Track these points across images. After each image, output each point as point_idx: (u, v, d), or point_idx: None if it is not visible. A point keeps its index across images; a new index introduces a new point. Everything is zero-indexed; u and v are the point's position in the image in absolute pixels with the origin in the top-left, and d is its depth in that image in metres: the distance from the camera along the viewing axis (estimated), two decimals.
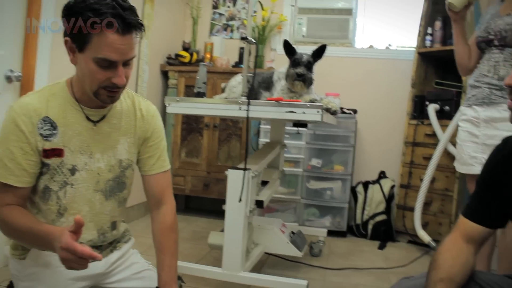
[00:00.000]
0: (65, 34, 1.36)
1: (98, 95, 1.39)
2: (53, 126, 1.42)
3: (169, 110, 2.34)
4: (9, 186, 1.38)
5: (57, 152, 1.42)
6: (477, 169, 2.23)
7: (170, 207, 1.67)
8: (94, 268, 1.54)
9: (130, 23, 1.32)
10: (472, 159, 2.32)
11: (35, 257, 1.47)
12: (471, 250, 1.36)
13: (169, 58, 4.35)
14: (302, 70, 2.29)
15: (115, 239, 1.68)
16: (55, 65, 2.75)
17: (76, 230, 1.22)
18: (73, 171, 1.46)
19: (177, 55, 4.31)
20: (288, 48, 2.36)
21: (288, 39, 2.92)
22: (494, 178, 1.36)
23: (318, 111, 2.09)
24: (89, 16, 1.28)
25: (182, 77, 4.21)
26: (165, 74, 4.33)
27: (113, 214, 1.60)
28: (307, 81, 2.32)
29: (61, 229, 1.29)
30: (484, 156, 2.21)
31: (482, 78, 2.35)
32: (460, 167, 2.46)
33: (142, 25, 1.38)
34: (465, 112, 2.45)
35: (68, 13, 1.33)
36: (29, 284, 1.48)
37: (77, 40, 1.33)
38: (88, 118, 1.48)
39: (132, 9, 1.35)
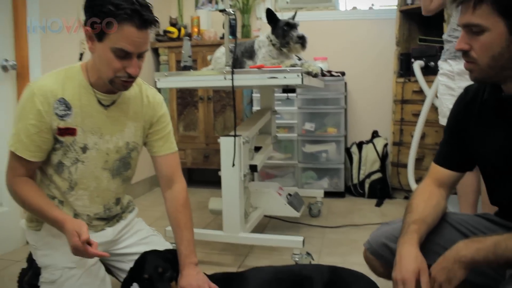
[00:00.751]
0: (85, 24, 1.47)
1: (113, 83, 1.51)
2: (68, 107, 1.53)
3: (159, 85, 2.44)
4: (23, 159, 1.51)
5: (70, 131, 1.55)
6: None
7: (181, 185, 1.78)
8: (103, 236, 1.70)
9: (147, 20, 1.45)
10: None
11: (49, 228, 1.60)
12: (442, 193, 1.48)
13: (157, 35, 4.40)
14: (302, 32, 2.39)
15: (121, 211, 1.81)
16: (46, 52, 2.84)
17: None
18: (84, 149, 1.59)
19: (166, 31, 4.36)
20: (271, 17, 2.43)
21: (271, 7, 2.99)
22: (459, 125, 1.47)
23: (298, 75, 2.17)
24: (110, 9, 1.39)
25: (172, 53, 4.28)
26: (155, 51, 4.39)
27: (118, 191, 1.74)
28: (306, 43, 2.40)
29: (70, 218, 1.49)
30: None
31: (453, 33, 2.43)
32: (441, 120, 2.56)
33: (157, 21, 1.50)
34: (441, 66, 2.54)
35: (90, 4, 1.45)
36: (46, 252, 1.63)
37: (96, 30, 1.44)
38: (100, 102, 1.59)
39: (148, 7, 1.47)
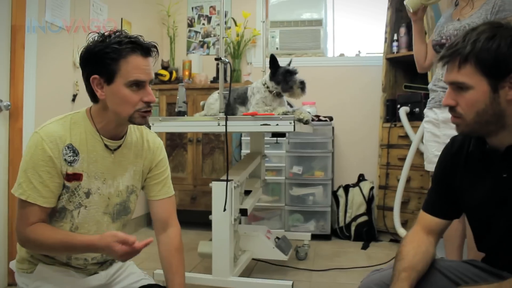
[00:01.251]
0: (90, 74, 1.52)
1: (133, 118, 1.55)
2: (76, 153, 1.56)
3: (153, 129, 2.47)
4: (36, 206, 1.51)
5: (77, 177, 1.57)
6: None
7: (176, 229, 1.82)
8: (96, 279, 1.70)
9: (147, 47, 1.54)
10: (436, 157, 2.46)
11: (41, 271, 1.61)
12: (431, 240, 1.52)
13: None
14: (302, 78, 2.50)
15: None
16: (40, 92, 2.88)
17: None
18: (88, 194, 1.60)
19: (157, 74, 4.43)
20: (273, 62, 2.53)
21: (262, 52, 3.08)
22: (446, 175, 1.53)
23: (290, 122, 2.24)
24: (114, 48, 1.48)
25: (163, 95, 4.34)
26: None
27: None
28: (305, 87, 2.51)
29: (99, 237, 1.48)
30: None
31: (438, 82, 2.52)
32: (427, 166, 2.63)
33: (156, 46, 1.58)
34: (427, 114, 2.63)
35: (90, 54, 1.52)
36: None
37: (105, 74, 1.50)
38: (106, 147, 1.63)
39: (141, 37, 1.56)
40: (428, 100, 2.64)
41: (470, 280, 1.40)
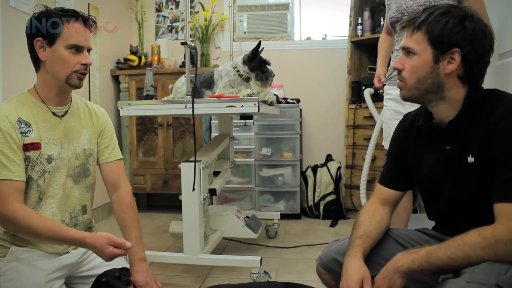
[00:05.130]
0: (34, 36, 1.67)
1: (70, 78, 1.70)
2: (27, 125, 1.68)
3: (122, 113, 2.53)
4: (10, 182, 1.60)
5: (35, 146, 1.68)
6: None
7: (126, 189, 1.94)
8: (68, 258, 1.76)
9: (88, 19, 1.72)
10: None
11: (14, 253, 1.67)
12: (386, 210, 1.63)
13: (118, 63, 4.48)
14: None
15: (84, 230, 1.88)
16: (6, 79, 2.90)
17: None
18: (49, 160, 1.71)
19: (126, 59, 4.45)
20: (257, 48, 2.58)
21: (230, 37, 3.14)
22: (399, 149, 1.64)
23: (255, 104, 2.32)
24: (57, 13, 1.67)
25: (132, 80, 4.37)
26: (116, 79, 4.47)
27: (82, 198, 1.84)
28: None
29: (91, 235, 1.60)
30: None
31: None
32: (385, 144, 2.70)
33: (95, 22, 1.76)
34: (389, 92, 2.67)
35: (38, 16, 1.67)
36: (12, 277, 1.67)
37: (48, 36, 1.65)
38: (54, 114, 1.75)
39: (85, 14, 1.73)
40: (389, 76, 2.69)
41: (419, 246, 1.51)
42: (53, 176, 1.73)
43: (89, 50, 1.73)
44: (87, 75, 1.77)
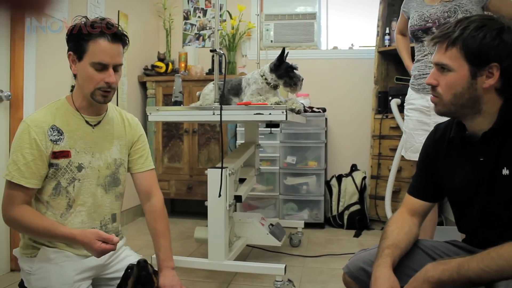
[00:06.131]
0: (68, 49, 1.73)
1: (94, 95, 1.72)
2: (60, 132, 1.72)
3: (150, 118, 2.56)
4: (20, 187, 1.65)
5: (65, 154, 1.72)
6: None
7: (159, 198, 1.98)
8: (94, 261, 1.79)
9: (117, 34, 1.70)
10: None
11: (44, 254, 1.72)
12: (414, 221, 1.61)
13: (146, 69, 4.54)
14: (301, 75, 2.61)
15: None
16: (40, 83, 2.95)
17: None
18: (79, 168, 1.75)
19: (153, 66, 4.50)
20: (282, 55, 2.58)
21: (257, 45, 3.15)
22: (429, 160, 1.62)
23: (282, 112, 2.33)
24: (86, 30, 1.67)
25: (159, 87, 4.42)
26: (143, 85, 4.52)
27: (112, 207, 1.88)
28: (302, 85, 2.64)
29: (80, 231, 1.63)
30: None
31: (426, 69, 2.57)
32: (411, 155, 2.67)
33: (126, 37, 1.75)
34: (412, 101, 2.66)
35: (71, 32, 1.71)
36: (41, 276, 1.71)
37: (77, 51, 1.68)
38: (87, 123, 1.79)
39: (118, 27, 1.72)
40: (413, 84, 2.68)
41: (449, 257, 1.49)
42: (82, 184, 1.77)
43: (118, 66, 1.73)
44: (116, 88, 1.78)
